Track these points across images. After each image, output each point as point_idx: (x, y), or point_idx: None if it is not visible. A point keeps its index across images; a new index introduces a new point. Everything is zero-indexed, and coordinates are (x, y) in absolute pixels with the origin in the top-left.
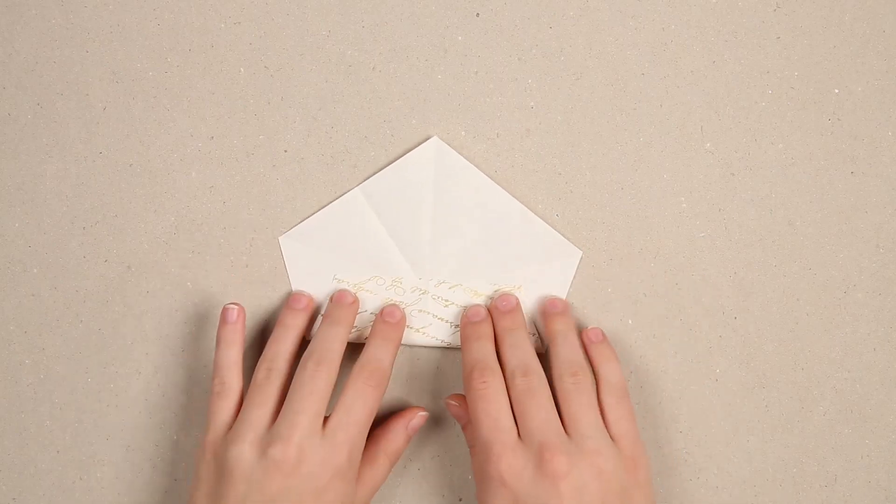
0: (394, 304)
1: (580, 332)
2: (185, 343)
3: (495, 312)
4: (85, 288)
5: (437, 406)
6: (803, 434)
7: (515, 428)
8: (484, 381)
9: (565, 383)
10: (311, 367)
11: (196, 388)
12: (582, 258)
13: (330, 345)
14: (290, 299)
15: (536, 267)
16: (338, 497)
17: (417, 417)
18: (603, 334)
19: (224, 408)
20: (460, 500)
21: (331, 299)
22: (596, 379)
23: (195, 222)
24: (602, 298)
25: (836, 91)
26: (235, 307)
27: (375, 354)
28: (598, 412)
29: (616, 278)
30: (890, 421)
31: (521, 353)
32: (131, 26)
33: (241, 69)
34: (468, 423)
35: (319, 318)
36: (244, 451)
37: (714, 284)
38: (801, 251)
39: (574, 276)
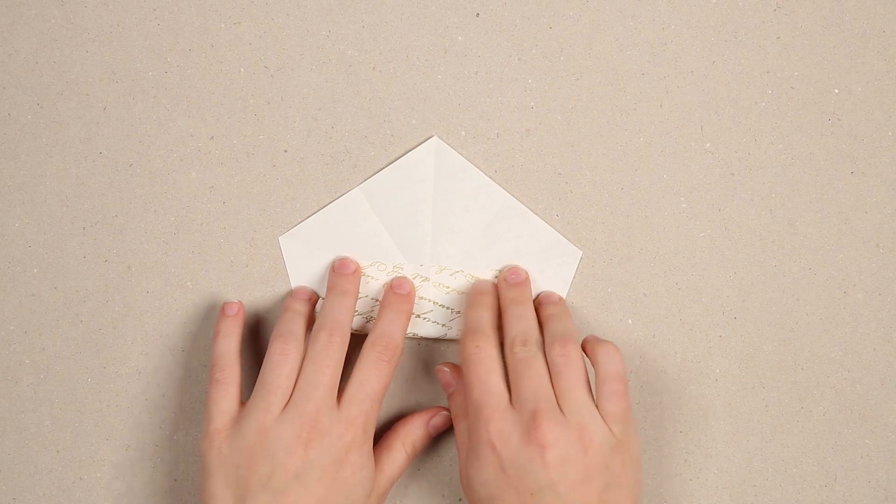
0: (403, 276)
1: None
2: (185, 343)
3: (503, 284)
4: (85, 288)
5: (438, 404)
6: (803, 434)
7: (507, 394)
8: (477, 346)
9: (554, 356)
10: (325, 338)
11: (196, 388)
12: (582, 258)
13: (340, 315)
14: (295, 292)
15: (536, 267)
16: (355, 471)
17: (440, 416)
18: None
19: (226, 396)
20: (460, 500)
21: (332, 269)
22: (594, 367)
23: (195, 222)
24: (602, 298)
25: (836, 91)
26: (236, 303)
27: (387, 328)
28: (588, 387)
29: (616, 278)
30: (890, 421)
31: (524, 322)
32: (131, 26)
33: (241, 69)
34: (455, 392)
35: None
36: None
37: (714, 284)
38: (801, 251)
39: (574, 276)
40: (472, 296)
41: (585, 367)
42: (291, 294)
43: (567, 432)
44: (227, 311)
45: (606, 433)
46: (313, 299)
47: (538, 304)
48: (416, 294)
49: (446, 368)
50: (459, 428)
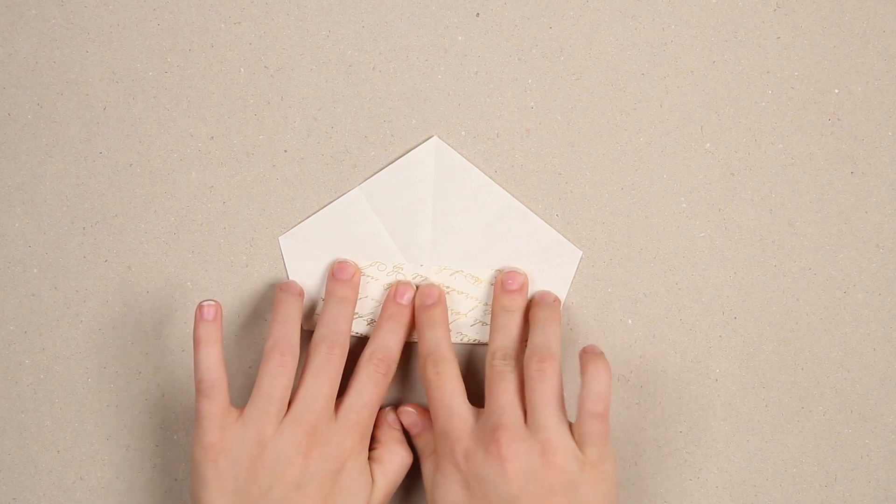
0: (407, 283)
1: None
2: (185, 343)
3: (499, 287)
4: (85, 288)
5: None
6: (803, 434)
7: (472, 415)
8: (437, 372)
9: (530, 369)
10: (325, 350)
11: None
12: (582, 258)
13: (339, 325)
14: (286, 286)
15: (536, 267)
16: (354, 479)
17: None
18: (598, 350)
19: (216, 407)
20: None
21: (331, 273)
22: (582, 381)
23: (195, 222)
24: (602, 298)
25: (836, 91)
26: (212, 304)
27: (384, 342)
28: (561, 404)
29: (616, 278)
30: (890, 421)
31: (508, 335)
32: (131, 26)
33: (241, 69)
34: (422, 431)
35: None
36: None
37: (714, 284)
38: (801, 251)
39: (574, 276)
40: (420, 311)
41: (561, 383)
42: (282, 289)
43: (528, 446)
44: (205, 316)
45: (572, 450)
46: (303, 294)
47: (531, 303)
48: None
49: (410, 409)
50: (426, 465)
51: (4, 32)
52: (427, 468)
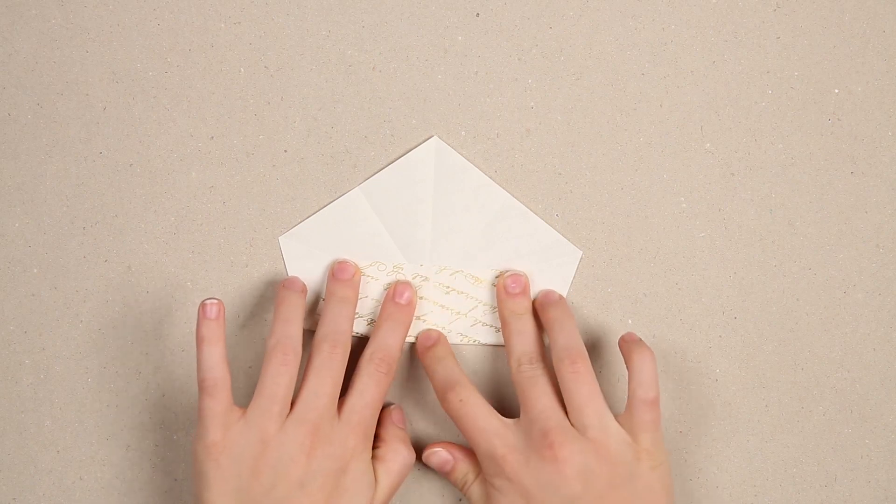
0: (405, 283)
1: (622, 338)
2: (185, 343)
3: (502, 293)
4: (85, 288)
5: (436, 407)
6: (803, 434)
7: (508, 428)
8: (461, 400)
9: (564, 373)
10: (327, 350)
11: (196, 388)
12: (582, 258)
13: (341, 325)
14: (288, 282)
15: (536, 267)
16: (357, 478)
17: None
18: (636, 337)
19: (219, 405)
20: (460, 500)
21: (331, 273)
22: (628, 369)
23: (195, 222)
24: (602, 298)
25: (836, 91)
26: (215, 302)
27: (385, 341)
28: (602, 399)
29: (616, 278)
30: (890, 421)
31: (527, 339)
32: (131, 26)
33: (241, 69)
34: (455, 465)
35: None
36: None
37: (714, 284)
38: (801, 251)
39: (574, 276)
40: (425, 353)
41: (595, 377)
42: (284, 286)
43: (581, 446)
44: (208, 314)
45: (626, 441)
46: (306, 290)
47: (538, 305)
48: (417, 298)
49: (437, 449)
50: (473, 492)
51: (4, 32)
52: (476, 493)
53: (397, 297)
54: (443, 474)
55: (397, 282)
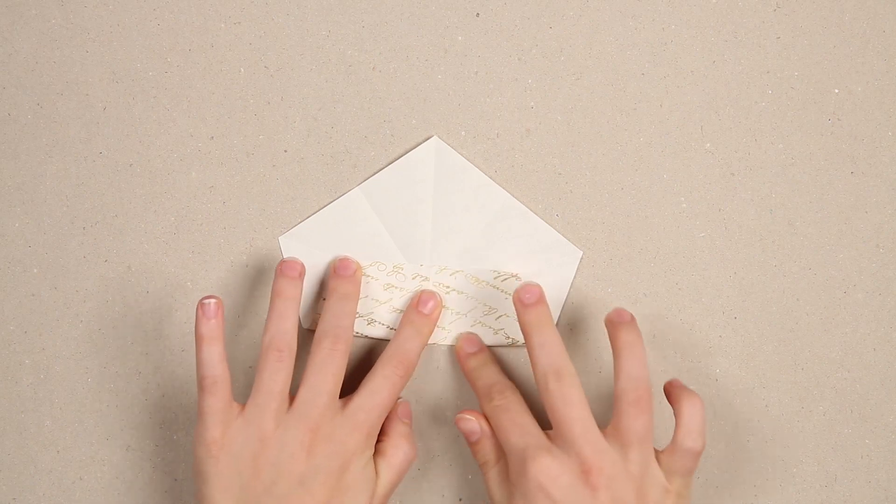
0: (431, 292)
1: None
2: (185, 343)
3: (518, 305)
4: (85, 288)
5: (437, 406)
6: (803, 434)
7: (543, 435)
8: (505, 397)
9: (624, 405)
10: (328, 346)
11: (196, 388)
12: (582, 258)
13: (342, 321)
14: (284, 268)
15: (536, 267)
16: (358, 476)
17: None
18: (681, 383)
19: (219, 403)
20: (460, 500)
21: (333, 269)
22: (676, 415)
23: (195, 222)
24: (602, 298)
25: (836, 91)
26: (213, 301)
27: (405, 345)
28: (651, 441)
29: (616, 278)
30: (890, 421)
31: (552, 352)
32: (131, 26)
33: (241, 69)
34: (481, 438)
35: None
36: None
37: (714, 284)
38: (801, 251)
39: (574, 276)
40: (468, 359)
41: (653, 415)
42: (282, 272)
43: (623, 482)
44: (207, 312)
45: (662, 484)
46: (303, 274)
47: (608, 322)
48: (441, 308)
49: (469, 416)
50: (491, 474)
51: (4, 32)
52: (493, 477)
53: (421, 307)
54: (468, 444)
55: (422, 291)
